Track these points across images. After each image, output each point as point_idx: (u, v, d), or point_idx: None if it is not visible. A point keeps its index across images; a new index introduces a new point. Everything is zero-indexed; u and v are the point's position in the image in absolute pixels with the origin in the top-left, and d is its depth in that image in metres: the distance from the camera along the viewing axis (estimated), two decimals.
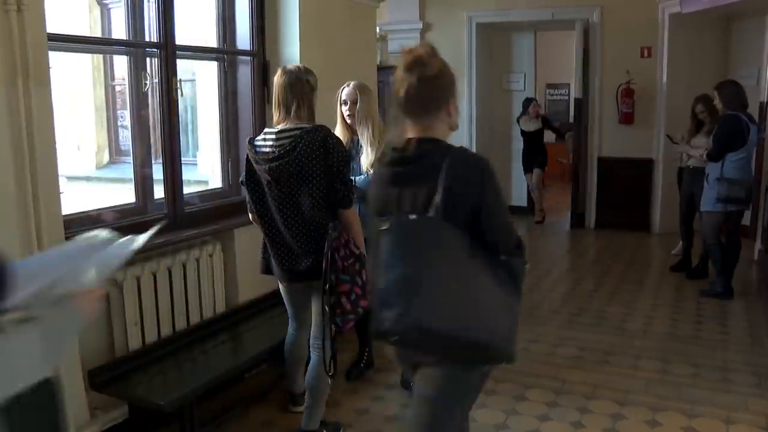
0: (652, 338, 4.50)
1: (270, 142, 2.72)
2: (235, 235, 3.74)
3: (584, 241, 7.81)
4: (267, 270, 3.03)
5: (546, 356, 4.20)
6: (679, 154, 6.30)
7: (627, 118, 7.87)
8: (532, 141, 8.36)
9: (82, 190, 7.22)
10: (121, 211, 3.45)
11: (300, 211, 2.71)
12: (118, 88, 7.36)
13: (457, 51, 8.57)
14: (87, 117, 7.28)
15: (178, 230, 3.51)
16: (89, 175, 7.24)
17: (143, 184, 3.53)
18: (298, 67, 2.80)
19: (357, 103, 3.46)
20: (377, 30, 8.87)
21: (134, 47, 3.41)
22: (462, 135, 8.60)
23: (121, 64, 6.81)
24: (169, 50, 3.41)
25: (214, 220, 3.72)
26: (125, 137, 7.79)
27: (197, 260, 3.53)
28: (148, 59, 3.47)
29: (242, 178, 2.97)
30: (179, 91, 3.47)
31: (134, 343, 3.15)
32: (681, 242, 6.71)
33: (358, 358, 3.94)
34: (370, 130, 3.50)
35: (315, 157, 2.64)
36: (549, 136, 8.88)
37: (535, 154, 8.38)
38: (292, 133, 2.67)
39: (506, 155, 9.06)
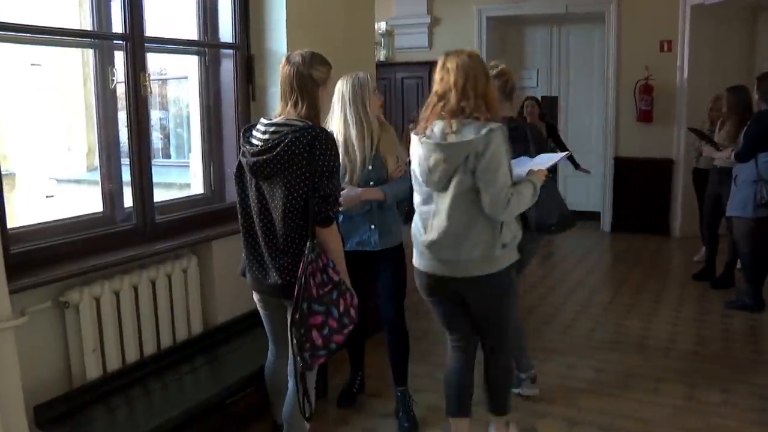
0: (675, 357, 4.10)
1: (259, 134, 2.38)
2: (213, 247, 3.39)
3: (599, 245, 7.39)
4: (245, 272, 2.66)
5: (559, 379, 3.81)
6: (697, 152, 5.88)
7: (645, 116, 7.46)
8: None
9: (71, 193, 6.92)
10: (86, 221, 3.11)
11: (274, 217, 2.35)
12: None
13: (467, 46, 7.99)
14: (77, 117, 6.96)
15: (148, 243, 3.16)
16: (79, 177, 6.92)
17: (111, 191, 3.19)
18: (302, 56, 2.37)
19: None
20: (383, 25, 8.57)
21: (99, 39, 3.06)
22: None
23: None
24: (136, 42, 3.06)
25: (191, 230, 3.36)
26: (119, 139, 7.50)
27: (169, 276, 3.17)
28: (117, 53, 3.13)
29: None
30: (149, 88, 3.12)
31: (93, 372, 2.80)
32: (703, 248, 6.32)
33: (350, 382, 3.57)
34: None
35: (297, 161, 2.25)
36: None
37: None
38: (281, 129, 2.31)
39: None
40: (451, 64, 2.52)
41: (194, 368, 3.25)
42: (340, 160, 3.06)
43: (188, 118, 5.59)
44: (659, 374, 3.84)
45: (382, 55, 8.58)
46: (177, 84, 6.48)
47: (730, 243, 5.42)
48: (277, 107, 2.44)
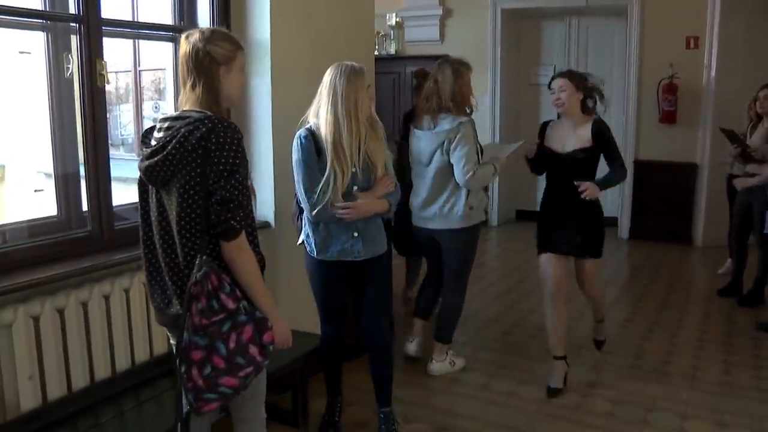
0: (701, 388, 3.67)
1: (156, 134, 2.00)
2: None
3: (617, 254, 6.94)
4: None
5: (571, 411, 3.40)
6: (732, 157, 5.41)
7: (668, 117, 6.99)
8: None
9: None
10: (39, 226, 2.74)
11: (173, 233, 1.96)
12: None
13: (480, 40, 7.80)
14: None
15: (106, 252, 2.80)
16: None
17: (66, 192, 2.83)
18: (202, 32, 2.00)
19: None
20: (393, 17, 8.16)
21: (50, 20, 2.69)
22: (484, 132, 7.81)
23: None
24: (91, 25, 2.68)
25: None
26: (118, 132, 7.16)
27: (126, 291, 2.79)
28: (72, 38, 2.76)
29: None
30: (106, 77, 2.74)
31: (29, 402, 2.42)
32: (729, 260, 5.87)
33: (330, 410, 3.17)
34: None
35: (188, 162, 1.86)
36: None
37: None
38: (174, 123, 1.93)
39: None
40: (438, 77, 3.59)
41: (157, 393, 2.88)
42: (328, 164, 2.69)
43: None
44: (683, 408, 3.42)
45: (391, 48, 8.18)
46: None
47: (760, 258, 4.97)
48: (180, 98, 2.03)
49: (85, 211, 2.86)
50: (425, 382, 3.74)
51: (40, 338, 2.46)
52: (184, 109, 1.97)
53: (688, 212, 7.12)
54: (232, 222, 1.88)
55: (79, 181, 2.87)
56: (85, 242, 2.77)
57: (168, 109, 3.55)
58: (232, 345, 1.86)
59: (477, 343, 4.31)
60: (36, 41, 5.92)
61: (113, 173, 2.93)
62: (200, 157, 1.85)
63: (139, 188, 2.07)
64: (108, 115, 2.87)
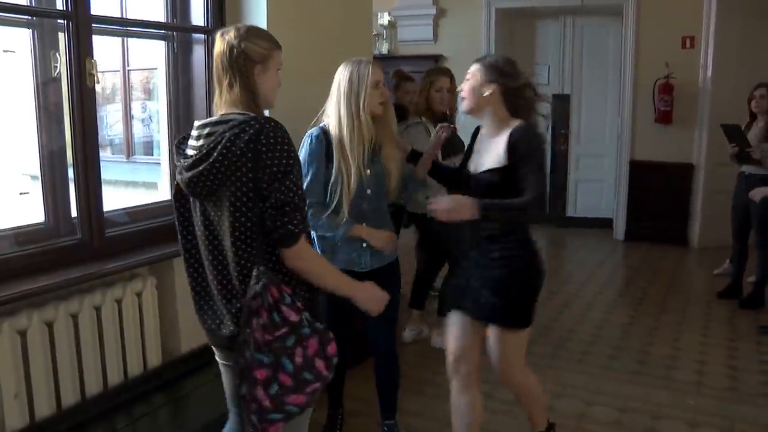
0: (708, 394, 3.58)
1: (193, 141, 1.85)
2: (175, 265, 2.88)
3: (613, 255, 6.88)
4: None
5: (576, 420, 3.31)
6: (734, 156, 5.35)
7: (664, 117, 6.92)
8: None
9: None
10: (26, 233, 2.61)
11: (224, 247, 1.81)
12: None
13: (474, 40, 7.70)
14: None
15: (97, 261, 2.67)
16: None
17: (54, 197, 2.70)
18: (237, 29, 1.86)
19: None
20: (386, 16, 8.05)
21: (36, 16, 2.55)
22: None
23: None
24: (80, 22, 2.55)
25: (149, 245, 2.86)
26: (104, 132, 6.99)
27: (118, 302, 2.67)
28: (60, 35, 2.63)
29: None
30: (96, 77, 2.61)
31: (16, 422, 2.30)
32: (728, 261, 5.82)
33: (331, 423, 3.06)
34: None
35: (237, 167, 1.72)
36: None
37: None
38: (216, 128, 1.77)
39: None
40: None
41: (151, 409, 2.78)
42: (334, 164, 2.56)
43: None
44: (691, 416, 3.33)
45: (384, 47, 8.07)
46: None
47: (759, 260, 4.92)
48: (215, 99, 1.89)
49: (75, 217, 2.74)
50: (426, 390, 3.64)
51: (27, 354, 2.35)
52: (222, 111, 1.83)
53: (685, 213, 7.05)
54: (290, 226, 1.75)
55: (67, 186, 2.75)
56: (75, 250, 2.65)
57: (161, 109, 3.41)
58: (299, 360, 1.73)
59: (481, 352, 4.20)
60: (21, 40, 5.75)
61: (106, 176, 2.81)
62: (250, 161, 1.71)
63: (175, 203, 1.93)
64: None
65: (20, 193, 6.52)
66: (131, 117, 6.21)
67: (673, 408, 3.43)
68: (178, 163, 1.84)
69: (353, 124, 2.53)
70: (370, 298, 1.99)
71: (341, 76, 2.58)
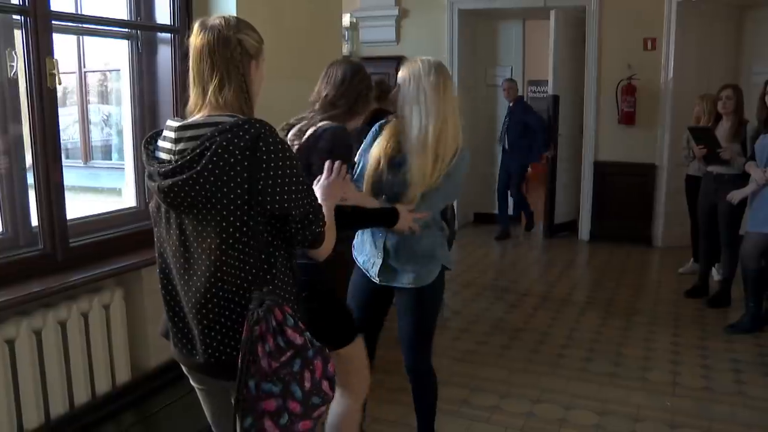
0: (684, 395, 3.59)
1: (167, 144, 1.63)
2: (144, 275, 2.74)
3: (580, 256, 6.92)
4: (168, 333, 1.96)
5: (557, 424, 3.27)
6: (689, 158, 5.42)
7: (628, 118, 7.00)
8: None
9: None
10: None
11: (199, 265, 1.61)
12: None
13: (437, 41, 7.67)
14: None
15: (61, 273, 2.51)
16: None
17: (13, 206, 2.53)
18: (225, 18, 1.66)
19: None
20: (348, 17, 7.95)
21: None
22: None
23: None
24: (39, 18, 2.40)
25: (116, 255, 2.71)
26: (68, 136, 6.70)
27: (84, 315, 2.52)
28: (17, 33, 2.46)
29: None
30: (57, 77, 2.46)
31: None
32: (691, 260, 5.91)
33: None
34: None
35: (232, 176, 1.53)
36: None
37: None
38: (200, 131, 1.56)
39: (489, 157, 8.14)
40: None
41: (121, 429, 2.62)
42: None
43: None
44: (670, 417, 3.33)
45: (346, 49, 7.96)
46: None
47: (726, 259, 4.99)
48: (190, 99, 1.67)
49: (35, 227, 2.57)
50: (403, 398, 3.55)
51: None
52: (204, 113, 1.63)
53: (648, 213, 7.14)
54: (317, 230, 1.67)
55: (27, 193, 2.58)
56: (37, 262, 2.48)
57: (123, 112, 3.26)
58: (307, 386, 1.58)
59: (453, 355, 4.15)
60: None
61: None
62: (246, 169, 1.54)
63: (153, 214, 1.73)
64: None
65: None
66: (88, 120, 5.98)
67: (652, 409, 3.42)
68: (151, 167, 1.63)
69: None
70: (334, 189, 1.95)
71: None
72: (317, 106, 2.37)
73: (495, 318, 4.85)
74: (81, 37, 4.69)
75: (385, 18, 7.86)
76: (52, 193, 2.52)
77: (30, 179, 2.60)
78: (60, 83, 2.47)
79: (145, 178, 1.68)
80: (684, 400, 3.53)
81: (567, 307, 5.12)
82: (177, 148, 1.59)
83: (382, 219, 2.31)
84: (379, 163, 2.39)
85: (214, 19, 1.66)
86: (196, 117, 1.64)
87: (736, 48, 6.86)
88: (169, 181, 1.56)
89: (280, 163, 1.56)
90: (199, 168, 1.52)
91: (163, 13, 3.05)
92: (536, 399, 3.53)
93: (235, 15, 1.76)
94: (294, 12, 3.44)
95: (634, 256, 6.74)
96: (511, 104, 7.36)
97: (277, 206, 1.58)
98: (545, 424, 3.28)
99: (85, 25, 2.86)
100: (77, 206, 3.02)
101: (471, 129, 7.72)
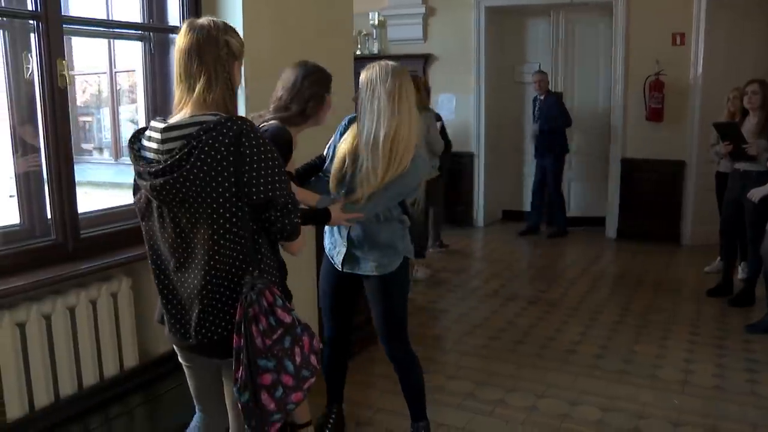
0: (694, 393, 3.56)
1: (153, 144, 1.73)
2: None
3: (604, 254, 6.85)
4: (163, 319, 2.08)
5: (559, 419, 3.29)
6: (719, 154, 5.33)
7: (655, 115, 6.91)
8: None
9: None
10: (2, 234, 2.60)
11: (196, 254, 1.75)
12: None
13: (464, 39, 7.70)
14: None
15: (71, 262, 2.65)
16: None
17: (29, 198, 2.68)
18: (212, 20, 1.77)
19: None
20: (375, 16, 8.03)
21: (7, 17, 2.54)
22: (469, 132, 7.73)
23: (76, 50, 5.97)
24: (51, 22, 2.53)
25: (124, 245, 2.84)
26: (102, 135, 6.96)
27: (93, 302, 2.66)
28: (32, 36, 2.61)
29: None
30: (67, 78, 2.60)
31: None
32: (718, 259, 5.80)
33: (324, 418, 3.04)
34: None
35: (219, 171, 1.65)
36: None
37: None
38: (186, 131, 1.67)
39: (518, 155, 8.13)
40: None
41: (127, 410, 2.76)
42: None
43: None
44: (676, 416, 3.31)
45: (374, 47, 8.06)
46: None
47: (751, 256, 4.90)
48: (176, 96, 1.78)
49: (50, 219, 2.72)
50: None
51: None
52: (189, 111, 1.74)
53: (676, 211, 7.04)
54: (296, 220, 1.79)
55: (42, 188, 2.73)
56: (49, 251, 2.63)
57: (139, 110, 3.40)
58: (298, 360, 1.77)
59: (463, 350, 4.19)
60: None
61: (94, 178, 2.78)
62: (232, 165, 1.66)
63: (141, 210, 1.86)
64: (91, 118, 2.74)
65: (10, 196, 6.50)
66: (118, 119, 6.22)
67: (658, 407, 3.41)
68: (139, 168, 1.74)
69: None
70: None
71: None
72: (272, 107, 2.50)
73: (510, 314, 4.87)
74: (111, 40, 4.86)
75: (412, 16, 7.91)
76: (65, 187, 2.66)
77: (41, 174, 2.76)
78: (71, 83, 2.61)
79: (134, 177, 1.79)
80: (693, 399, 3.50)
81: (585, 304, 5.10)
82: (164, 148, 1.70)
83: (315, 219, 2.48)
84: (344, 160, 2.50)
85: (203, 21, 1.78)
86: (179, 116, 1.75)
87: (767, 43, 6.70)
88: (160, 180, 1.67)
89: (262, 156, 1.68)
90: (188, 166, 1.64)
91: (174, 16, 3.17)
92: (541, 394, 3.55)
93: (220, 18, 1.85)
94: (301, 11, 3.51)
95: (660, 254, 6.66)
96: (541, 98, 7.30)
97: (261, 195, 1.70)
98: (547, 418, 3.31)
99: (96, 28, 3.00)
100: (103, 200, 3.18)
101: (498, 128, 7.80)
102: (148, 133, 1.78)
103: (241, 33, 3.09)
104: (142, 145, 1.79)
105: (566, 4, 7.28)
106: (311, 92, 2.45)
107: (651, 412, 3.36)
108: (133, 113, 6.36)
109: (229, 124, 1.65)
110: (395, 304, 2.68)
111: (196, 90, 1.73)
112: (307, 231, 2.13)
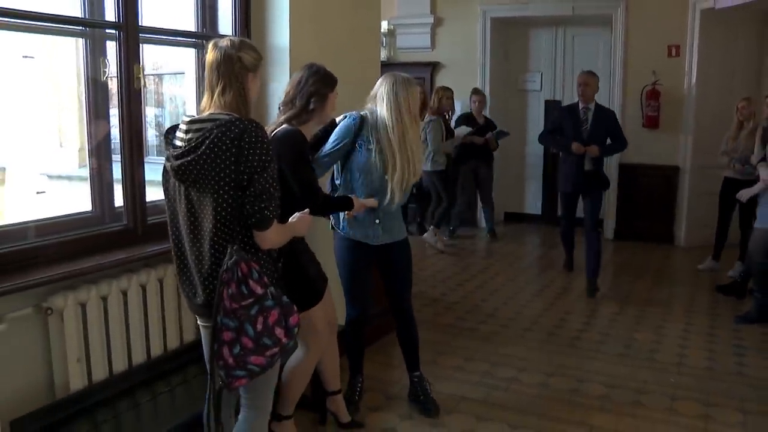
0: (688, 373, 3.93)
1: (181, 134, 2.14)
2: None
3: (603, 254, 7.19)
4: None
5: (569, 394, 3.64)
6: (729, 162, 5.69)
7: (652, 122, 7.31)
8: None
9: (63, 190, 6.72)
10: (75, 221, 2.92)
11: (203, 227, 2.12)
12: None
13: (470, 48, 8.07)
14: (70, 112, 6.75)
15: (141, 245, 2.99)
16: (71, 174, 6.71)
17: (101, 189, 3.01)
18: (231, 40, 2.18)
19: None
20: (385, 25, 8.39)
21: (90, 27, 2.87)
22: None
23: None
24: (130, 32, 2.88)
25: None
26: (113, 135, 7.22)
27: (160, 280, 2.99)
28: (108, 43, 2.95)
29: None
30: (142, 81, 2.94)
31: (77, 383, 2.61)
32: (710, 257, 6.19)
33: (350, 389, 3.41)
34: None
35: (223, 159, 2.03)
36: None
37: None
38: (204, 125, 2.07)
39: (519, 159, 8.49)
40: None
41: (186, 379, 3.07)
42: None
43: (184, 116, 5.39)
44: (672, 391, 3.68)
45: (383, 54, 8.41)
46: (173, 80, 6.27)
47: (748, 254, 5.27)
48: (203, 100, 2.20)
49: (119, 207, 3.05)
50: (432, 370, 3.95)
51: (87, 323, 2.65)
52: (212, 111, 2.13)
53: (671, 213, 7.42)
54: (266, 212, 2.07)
55: (112, 179, 3.06)
56: (122, 235, 2.96)
57: (190, 111, 3.74)
58: (259, 327, 2.06)
59: (477, 335, 4.54)
60: (39, 46, 6.06)
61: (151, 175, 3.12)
62: (234, 156, 2.01)
63: (163, 188, 2.24)
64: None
65: (37, 193, 6.80)
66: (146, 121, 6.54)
67: (657, 384, 3.77)
68: (167, 152, 2.15)
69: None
70: (303, 223, 2.35)
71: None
72: (281, 106, 2.88)
73: (519, 305, 5.22)
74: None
75: (420, 26, 8.29)
76: (136, 178, 2.99)
77: (114, 167, 3.09)
78: (145, 86, 2.95)
79: (165, 160, 2.20)
80: (687, 378, 3.87)
81: (586, 298, 5.45)
82: (187, 137, 2.11)
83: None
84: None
85: (223, 41, 2.20)
86: (203, 114, 2.17)
87: (759, 54, 7.10)
88: (178, 162, 2.08)
89: (257, 151, 2.05)
90: (199, 152, 2.04)
91: (225, 25, 3.51)
92: (551, 373, 3.90)
93: (236, 36, 2.28)
94: (340, 23, 3.87)
95: (656, 254, 7.03)
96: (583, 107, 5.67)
97: (245, 178, 2.04)
98: (558, 393, 3.66)
99: (166, 37, 3.34)
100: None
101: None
102: (180, 125, 2.18)
103: (287, 39, 3.48)
104: (175, 135, 2.18)
105: (568, 16, 7.66)
106: (315, 89, 2.80)
107: (651, 388, 3.72)
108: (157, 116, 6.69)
109: (237, 122, 2.05)
110: (411, 259, 3.35)
111: (215, 95, 2.15)
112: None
